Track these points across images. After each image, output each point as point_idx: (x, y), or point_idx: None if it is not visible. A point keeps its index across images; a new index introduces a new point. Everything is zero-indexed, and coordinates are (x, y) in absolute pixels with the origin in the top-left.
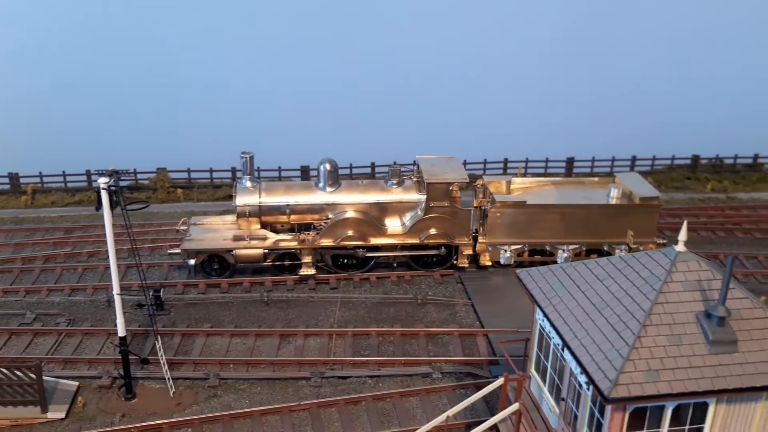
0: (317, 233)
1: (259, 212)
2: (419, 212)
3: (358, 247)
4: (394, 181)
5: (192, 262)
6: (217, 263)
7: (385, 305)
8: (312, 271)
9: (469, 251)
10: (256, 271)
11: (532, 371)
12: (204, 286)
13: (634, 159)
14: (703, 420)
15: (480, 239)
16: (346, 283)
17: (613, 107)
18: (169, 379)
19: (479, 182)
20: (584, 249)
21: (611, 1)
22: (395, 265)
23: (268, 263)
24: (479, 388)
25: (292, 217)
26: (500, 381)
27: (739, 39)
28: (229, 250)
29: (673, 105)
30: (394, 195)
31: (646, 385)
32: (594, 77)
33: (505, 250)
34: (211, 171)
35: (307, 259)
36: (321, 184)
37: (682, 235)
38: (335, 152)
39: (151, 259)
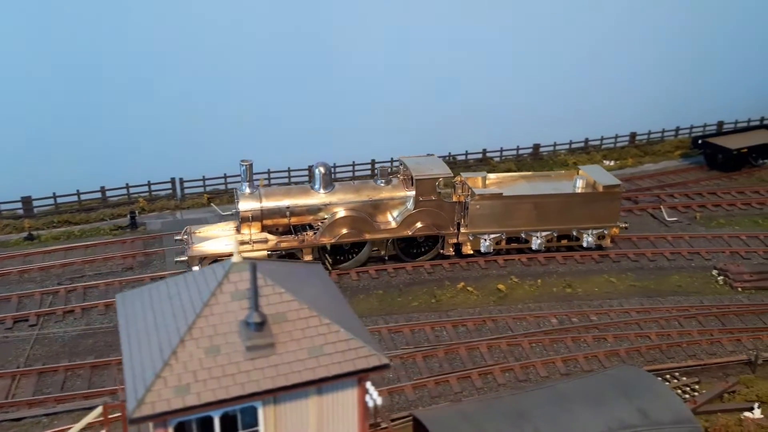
0: (315, 233)
1: (261, 216)
2: (408, 207)
3: (353, 242)
4: (383, 180)
5: (197, 268)
6: None
7: (84, 337)
8: None
9: (455, 240)
10: None
11: None
12: None
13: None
14: (256, 424)
15: (462, 230)
16: (47, 318)
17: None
18: None
19: (458, 178)
20: (555, 235)
21: None
22: (387, 258)
23: None
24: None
25: (292, 219)
26: (99, 410)
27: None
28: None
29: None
30: (385, 193)
31: (174, 399)
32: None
33: (485, 239)
34: None
35: (308, 257)
36: (317, 186)
37: (235, 248)
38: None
39: None
